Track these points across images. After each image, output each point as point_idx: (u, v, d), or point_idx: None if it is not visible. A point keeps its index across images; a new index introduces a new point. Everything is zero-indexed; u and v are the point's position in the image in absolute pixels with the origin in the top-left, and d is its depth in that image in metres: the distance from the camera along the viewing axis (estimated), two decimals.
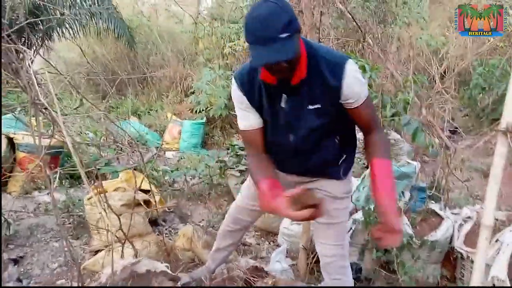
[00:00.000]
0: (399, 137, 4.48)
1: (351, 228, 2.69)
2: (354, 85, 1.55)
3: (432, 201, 2.92)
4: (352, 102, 1.58)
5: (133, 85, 8.83)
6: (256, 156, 1.73)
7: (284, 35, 1.35)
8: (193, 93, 6.98)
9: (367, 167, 3.99)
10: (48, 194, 3.36)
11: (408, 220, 2.70)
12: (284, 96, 1.61)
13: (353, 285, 2.04)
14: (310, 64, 1.55)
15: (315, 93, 1.58)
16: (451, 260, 2.71)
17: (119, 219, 2.16)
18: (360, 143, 1.97)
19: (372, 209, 2.60)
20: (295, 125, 1.65)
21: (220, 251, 2.29)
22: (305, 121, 1.63)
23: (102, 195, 2.32)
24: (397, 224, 1.49)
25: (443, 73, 7.46)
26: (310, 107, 1.61)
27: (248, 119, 1.71)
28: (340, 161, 1.79)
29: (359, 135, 1.79)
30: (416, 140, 2.99)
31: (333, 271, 1.95)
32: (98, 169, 3.76)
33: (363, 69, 3.16)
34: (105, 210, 2.28)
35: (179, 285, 1.97)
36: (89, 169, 2.48)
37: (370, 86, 3.25)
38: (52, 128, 1.67)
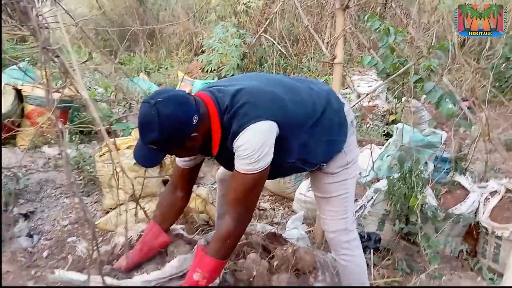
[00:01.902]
0: (420, 105, 4.32)
1: (372, 198, 2.60)
2: (241, 147, 1.49)
3: (457, 173, 2.80)
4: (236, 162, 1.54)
5: (142, 41, 8.58)
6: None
7: (151, 146, 1.47)
8: (203, 52, 6.77)
9: (387, 135, 3.87)
10: (57, 149, 3.27)
11: (433, 192, 2.59)
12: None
13: (363, 258, 1.96)
14: (223, 139, 1.57)
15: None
16: (474, 234, 2.63)
17: (131, 183, 2.06)
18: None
19: (397, 178, 2.49)
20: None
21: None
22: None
23: (110, 153, 2.21)
24: None
25: (463, 42, 7.17)
26: None
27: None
28: (321, 155, 1.75)
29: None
30: (440, 109, 2.84)
31: (337, 246, 1.89)
32: (110, 125, 3.67)
33: (387, 31, 2.98)
34: (116, 170, 2.19)
35: (195, 247, 1.89)
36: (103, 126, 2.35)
37: (392, 50, 3.08)
38: (64, 79, 1.53)
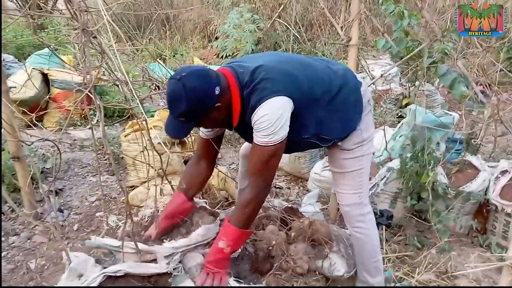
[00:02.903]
0: (433, 89, 4.37)
1: (385, 176, 2.70)
2: (259, 120, 1.61)
3: (468, 153, 2.87)
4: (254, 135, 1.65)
5: (157, 28, 8.67)
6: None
7: (180, 119, 1.61)
8: (217, 38, 6.84)
9: (400, 118, 3.94)
10: (83, 130, 3.43)
11: (444, 171, 2.68)
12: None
13: (376, 231, 2.06)
14: (243, 112, 1.70)
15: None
16: (484, 212, 2.71)
17: (160, 156, 2.19)
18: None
19: (409, 157, 2.58)
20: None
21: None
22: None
23: (140, 132, 2.34)
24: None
25: None
26: None
27: None
28: (336, 131, 1.84)
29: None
30: (453, 92, 2.90)
31: (352, 219, 1.99)
32: (132, 108, 3.81)
33: (401, 15, 3.02)
34: (145, 147, 2.33)
35: (218, 220, 2.02)
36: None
37: (406, 34, 3.13)
38: (101, 58, 1.65)
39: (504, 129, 4.45)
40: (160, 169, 2.21)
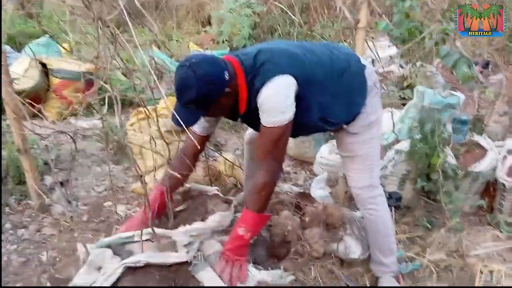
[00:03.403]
0: (434, 70, 4.36)
1: (393, 158, 2.70)
2: (265, 100, 1.60)
3: (475, 133, 2.89)
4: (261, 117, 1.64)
5: (149, 13, 8.52)
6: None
7: (190, 106, 1.59)
8: (210, 23, 6.73)
9: (403, 99, 3.93)
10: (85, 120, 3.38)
11: (452, 152, 2.69)
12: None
13: (388, 212, 2.07)
14: (249, 98, 1.68)
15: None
16: (491, 191, 2.74)
17: (167, 145, 2.17)
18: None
19: (418, 138, 2.58)
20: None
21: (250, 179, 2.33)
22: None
23: (147, 120, 2.32)
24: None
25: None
26: None
27: None
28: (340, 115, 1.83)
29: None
30: (456, 72, 2.90)
31: (364, 202, 2.00)
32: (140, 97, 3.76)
33: None
34: (152, 136, 2.30)
35: (233, 207, 2.01)
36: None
37: (407, 16, 3.10)
38: (114, 46, 1.61)
39: (506, 108, 4.48)
40: (169, 158, 2.21)
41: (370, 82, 1.88)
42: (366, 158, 1.93)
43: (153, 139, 2.25)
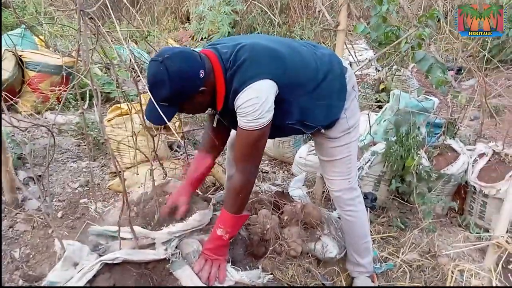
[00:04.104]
0: (409, 74, 4.47)
1: (369, 160, 2.76)
2: (243, 104, 1.56)
3: (447, 137, 2.98)
4: (239, 120, 1.61)
5: (126, 9, 8.38)
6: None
7: (163, 104, 1.49)
8: (188, 19, 6.68)
9: (378, 101, 4.01)
10: (60, 114, 3.30)
11: (425, 154, 2.77)
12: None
13: (365, 214, 2.11)
14: (226, 95, 1.63)
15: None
16: (461, 193, 2.83)
17: (153, 140, 2.16)
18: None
19: (394, 141, 2.64)
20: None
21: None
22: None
23: (129, 116, 2.29)
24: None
25: (446, 13, 7.26)
26: None
27: None
28: (319, 119, 1.81)
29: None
30: (431, 76, 2.98)
31: (342, 203, 2.02)
32: (108, 92, 3.69)
33: (380, 1, 3.05)
34: (134, 132, 2.28)
35: (211, 205, 2.01)
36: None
37: (384, 19, 3.17)
38: (96, 40, 1.59)
39: (476, 113, 4.63)
40: (153, 151, 2.20)
41: (349, 86, 1.88)
42: (346, 162, 1.94)
43: (135, 134, 2.25)
